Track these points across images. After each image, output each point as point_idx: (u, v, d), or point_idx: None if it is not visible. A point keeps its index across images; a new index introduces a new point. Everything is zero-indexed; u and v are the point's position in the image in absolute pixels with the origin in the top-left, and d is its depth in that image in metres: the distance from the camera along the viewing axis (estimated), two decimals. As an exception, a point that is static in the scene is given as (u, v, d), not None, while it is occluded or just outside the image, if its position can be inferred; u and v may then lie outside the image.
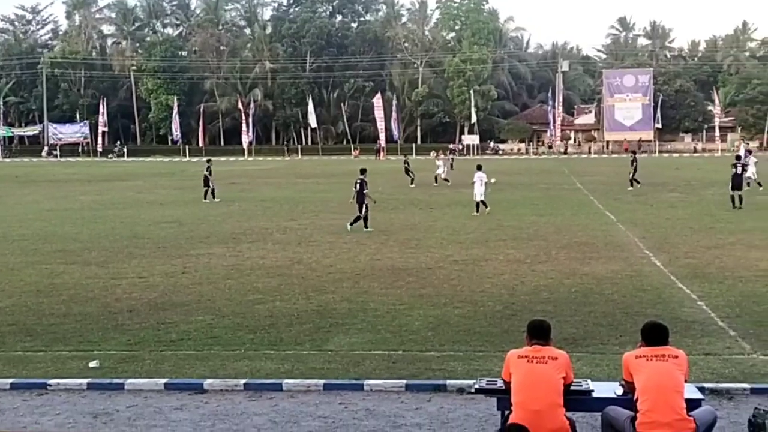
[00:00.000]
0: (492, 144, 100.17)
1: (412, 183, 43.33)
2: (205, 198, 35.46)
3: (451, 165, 50.65)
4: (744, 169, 28.80)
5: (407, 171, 45.24)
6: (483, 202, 28.29)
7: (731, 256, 18.37)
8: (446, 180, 42.91)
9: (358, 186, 24.62)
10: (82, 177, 57.44)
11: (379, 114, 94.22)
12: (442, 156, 50.07)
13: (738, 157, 30.27)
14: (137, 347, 11.55)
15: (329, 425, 8.67)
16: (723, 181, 42.14)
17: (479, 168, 29.23)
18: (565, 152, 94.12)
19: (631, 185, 39.03)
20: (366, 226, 24.00)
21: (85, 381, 10.05)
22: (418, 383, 9.77)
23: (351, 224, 24.11)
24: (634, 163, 39.99)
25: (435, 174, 43.71)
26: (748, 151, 42.99)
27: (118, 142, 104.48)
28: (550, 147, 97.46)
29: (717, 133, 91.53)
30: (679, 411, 6.60)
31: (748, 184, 38.44)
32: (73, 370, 10.51)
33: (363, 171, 25.81)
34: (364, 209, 24.28)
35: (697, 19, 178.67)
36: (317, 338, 11.84)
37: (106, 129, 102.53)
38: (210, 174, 35.96)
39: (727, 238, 21.33)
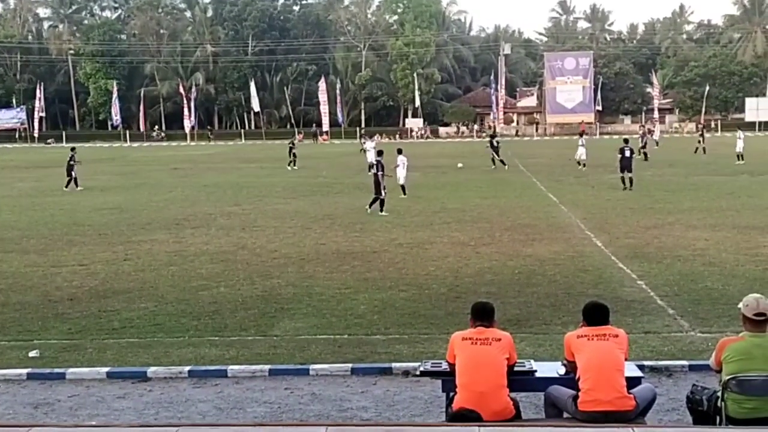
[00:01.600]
0: (475, 126, 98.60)
1: (290, 165, 43.42)
2: (66, 187, 33.88)
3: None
4: (632, 152, 29.79)
5: (290, 152, 44.83)
6: (402, 186, 28.50)
7: (670, 236, 18.72)
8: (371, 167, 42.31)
9: (375, 168, 24.56)
10: (19, 163, 56.22)
11: (322, 98, 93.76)
12: (368, 140, 49.81)
13: (626, 141, 31.42)
14: (78, 336, 11.37)
15: (275, 410, 8.65)
16: (662, 161, 43.26)
17: (400, 152, 29.43)
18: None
19: (494, 164, 40.71)
20: (381, 210, 23.86)
21: (25, 371, 9.89)
22: (363, 367, 9.80)
23: (370, 206, 24.13)
24: (495, 145, 41.59)
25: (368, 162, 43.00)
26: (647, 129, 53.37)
27: (156, 127, 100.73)
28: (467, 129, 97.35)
29: (656, 114, 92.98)
30: (620, 389, 6.72)
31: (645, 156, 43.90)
32: (13, 360, 10.32)
33: (380, 153, 25.99)
34: (383, 191, 24.19)
35: (635, 3, 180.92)
36: (262, 324, 11.79)
37: (43, 114, 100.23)
38: (74, 162, 34.54)
39: (666, 218, 21.73)
